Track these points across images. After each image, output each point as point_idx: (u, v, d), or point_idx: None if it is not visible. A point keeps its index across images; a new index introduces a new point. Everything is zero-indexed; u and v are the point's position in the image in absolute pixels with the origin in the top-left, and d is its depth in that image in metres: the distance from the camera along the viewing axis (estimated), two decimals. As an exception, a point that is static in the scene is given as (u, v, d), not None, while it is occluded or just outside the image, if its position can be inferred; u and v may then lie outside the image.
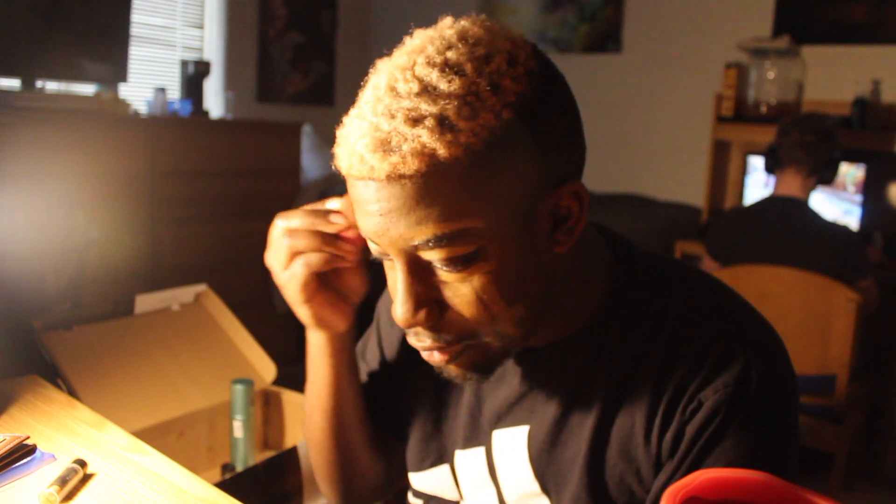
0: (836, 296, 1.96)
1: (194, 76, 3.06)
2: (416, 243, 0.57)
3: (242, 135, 3.13)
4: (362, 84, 0.60)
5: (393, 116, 0.54)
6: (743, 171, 3.20)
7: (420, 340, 0.63)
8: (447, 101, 0.54)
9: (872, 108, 2.97)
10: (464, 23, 0.59)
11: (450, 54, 0.56)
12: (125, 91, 3.07)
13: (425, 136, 0.53)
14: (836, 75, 3.12)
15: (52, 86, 2.74)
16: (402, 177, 0.54)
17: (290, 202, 3.28)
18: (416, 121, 0.54)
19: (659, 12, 3.62)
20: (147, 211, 2.72)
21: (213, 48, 3.70)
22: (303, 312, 0.73)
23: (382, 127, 0.54)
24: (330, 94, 4.30)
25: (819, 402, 2.07)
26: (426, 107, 0.54)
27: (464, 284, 0.59)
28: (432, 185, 0.54)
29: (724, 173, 3.36)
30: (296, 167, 3.35)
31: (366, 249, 0.66)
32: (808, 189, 2.15)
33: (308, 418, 0.84)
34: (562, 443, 0.69)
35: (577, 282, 0.68)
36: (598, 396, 0.67)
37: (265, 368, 1.45)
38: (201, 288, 1.48)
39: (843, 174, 2.88)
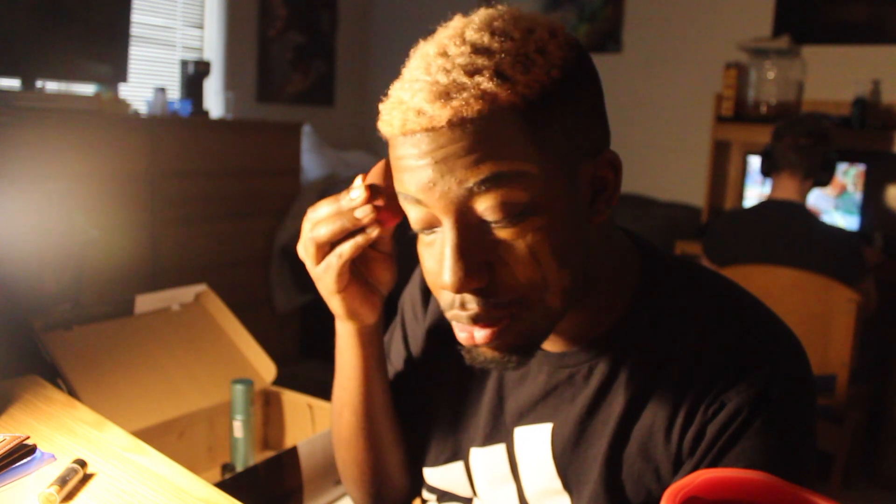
0: (836, 296, 1.96)
1: (194, 76, 3.06)
2: (471, 184, 0.56)
3: (242, 135, 3.13)
4: (391, 81, 0.62)
5: (449, 71, 0.57)
6: (743, 171, 3.20)
7: (466, 309, 0.61)
8: (501, 57, 0.57)
9: (872, 108, 2.97)
10: (500, 7, 0.63)
11: (496, 24, 0.60)
12: (125, 91, 3.07)
13: (485, 83, 0.55)
14: (836, 75, 3.12)
15: (52, 86, 2.74)
16: (464, 120, 0.55)
17: (290, 202, 3.28)
18: (473, 72, 0.56)
19: (659, 12, 3.62)
20: (147, 211, 2.72)
21: (213, 48, 3.70)
22: (335, 303, 0.73)
23: (440, 80, 0.56)
24: (330, 94, 4.30)
25: (819, 402, 2.07)
26: (483, 61, 0.56)
27: (518, 241, 0.59)
28: (491, 128, 0.56)
29: (724, 173, 3.36)
30: (296, 167, 3.35)
31: (403, 242, 0.66)
32: (805, 192, 2.14)
33: (337, 416, 0.83)
34: (585, 441, 0.70)
35: (607, 278, 0.68)
36: (622, 396, 0.68)
37: (265, 368, 1.45)
38: (201, 288, 1.48)
39: (842, 174, 2.88)
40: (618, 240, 0.71)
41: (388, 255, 0.74)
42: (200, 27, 3.69)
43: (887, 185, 3.01)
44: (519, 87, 0.56)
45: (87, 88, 2.82)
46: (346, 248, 0.69)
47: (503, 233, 0.59)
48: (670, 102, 3.60)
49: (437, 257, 0.61)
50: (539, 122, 0.57)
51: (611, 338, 0.69)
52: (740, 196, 3.21)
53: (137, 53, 3.21)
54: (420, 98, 0.56)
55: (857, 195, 2.89)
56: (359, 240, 0.69)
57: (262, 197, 3.18)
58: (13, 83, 2.54)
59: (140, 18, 3.28)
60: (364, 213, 0.67)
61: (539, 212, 0.59)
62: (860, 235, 2.64)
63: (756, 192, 3.11)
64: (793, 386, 0.64)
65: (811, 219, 2.12)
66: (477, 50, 0.57)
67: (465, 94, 0.55)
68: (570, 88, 0.59)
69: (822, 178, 2.15)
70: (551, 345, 0.72)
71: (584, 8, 3.83)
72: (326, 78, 4.27)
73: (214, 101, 3.56)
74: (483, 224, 0.59)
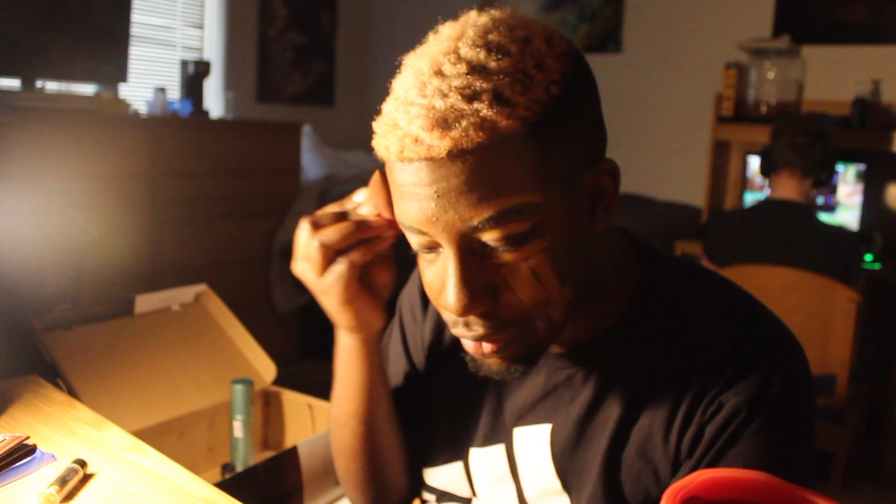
0: (836, 296, 1.96)
1: (194, 76, 3.06)
2: (475, 223, 0.56)
3: (242, 135, 3.13)
4: (391, 81, 0.60)
5: (446, 95, 0.54)
6: (743, 171, 3.20)
7: (471, 330, 0.61)
8: (499, 78, 0.54)
9: (872, 108, 2.97)
10: (493, 12, 0.61)
11: (491, 37, 0.57)
12: (125, 91, 3.07)
13: (484, 110, 0.53)
14: (836, 75, 3.12)
15: (52, 86, 2.74)
16: (463, 151, 0.53)
17: (290, 202, 3.28)
18: (471, 97, 0.54)
19: (659, 12, 3.62)
20: (147, 211, 2.72)
21: (213, 48, 3.70)
22: (347, 315, 0.71)
23: (437, 106, 0.54)
24: (330, 94, 4.30)
25: (819, 402, 2.07)
26: (480, 83, 0.54)
27: (521, 264, 0.59)
28: (493, 159, 0.54)
29: (724, 173, 3.36)
30: (296, 167, 3.35)
31: (402, 243, 0.65)
32: (805, 191, 2.14)
33: (340, 425, 0.82)
34: (584, 441, 0.70)
35: (605, 282, 0.68)
36: (621, 397, 0.68)
37: (265, 368, 1.45)
38: (201, 288, 1.48)
39: (842, 174, 2.89)
40: (615, 240, 0.71)
41: (388, 257, 0.72)
42: (200, 27, 3.69)
43: (887, 185, 3.01)
44: (519, 111, 0.54)
45: (87, 88, 2.82)
46: (355, 252, 0.67)
47: (506, 256, 0.58)
48: (670, 102, 3.60)
49: (439, 275, 0.60)
50: (541, 144, 0.56)
51: (609, 339, 0.69)
52: (740, 196, 3.21)
53: (137, 53, 3.21)
54: (417, 125, 0.54)
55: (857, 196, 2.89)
56: (373, 244, 0.67)
57: (262, 197, 3.18)
58: (13, 83, 2.54)
59: (140, 18, 3.28)
60: (380, 222, 0.66)
61: (542, 234, 0.58)
62: (860, 235, 2.63)
63: (755, 192, 3.11)
64: (791, 386, 0.64)
65: (811, 218, 2.12)
66: (473, 69, 0.55)
67: (464, 123, 0.53)
68: (570, 103, 0.57)
69: (822, 176, 2.14)
70: (550, 346, 0.72)
71: (584, 8, 3.83)
72: (326, 78, 4.27)
73: (214, 101, 3.56)
74: (486, 248, 0.58)
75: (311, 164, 3.67)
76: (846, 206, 2.90)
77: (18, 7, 2.43)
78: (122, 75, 2.79)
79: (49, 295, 1.54)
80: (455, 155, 0.54)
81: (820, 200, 2.93)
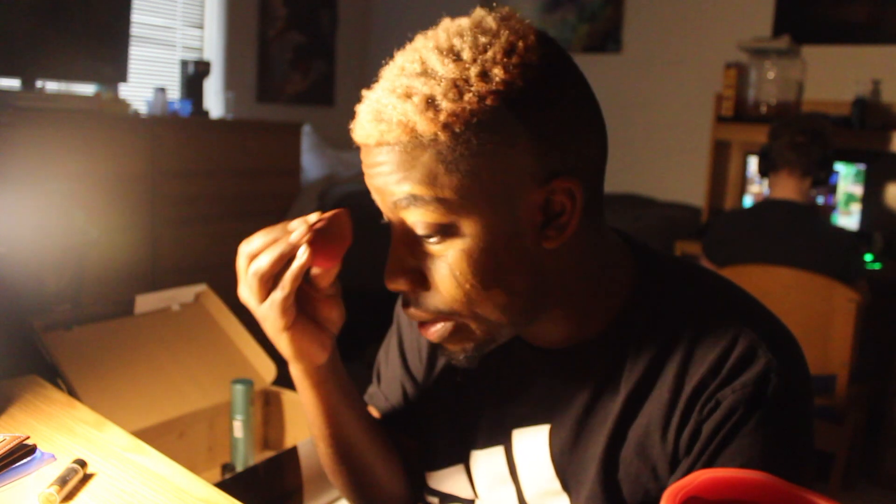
0: (836, 296, 1.96)
1: (194, 76, 3.06)
2: (395, 198, 0.61)
3: (242, 135, 3.13)
4: (384, 62, 0.65)
5: (392, 91, 0.60)
6: (743, 171, 3.20)
7: (406, 307, 0.66)
8: (438, 83, 0.59)
9: (872, 108, 2.97)
10: (484, 13, 0.63)
11: (455, 41, 0.61)
12: (125, 91, 3.07)
13: (410, 111, 0.58)
14: (836, 75, 3.12)
15: (52, 86, 2.74)
16: (388, 143, 0.60)
17: (289, 202, 3.28)
18: (407, 97, 0.59)
19: (659, 12, 3.62)
20: (147, 211, 2.72)
21: (213, 48, 3.70)
22: (283, 342, 0.70)
23: (382, 100, 0.61)
24: (330, 94, 4.30)
25: (819, 402, 2.07)
26: (419, 86, 0.59)
27: (440, 259, 0.63)
28: (411, 156, 0.59)
29: (724, 173, 3.36)
30: (296, 167, 3.35)
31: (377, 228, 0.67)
32: (805, 191, 2.13)
33: (316, 445, 0.83)
34: (583, 441, 0.70)
35: (596, 283, 0.69)
36: (619, 396, 0.68)
37: (265, 368, 1.45)
38: (201, 288, 1.48)
39: (842, 174, 2.89)
40: (610, 242, 0.71)
41: (334, 295, 0.71)
42: (200, 27, 3.69)
43: (887, 185, 3.01)
44: (443, 116, 0.57)
45: (87, 88, 2.82)
46: (286, 280, 0.66)
47: (430, 248, 0.63)
48: (670, 102, 3.60)
49: None
50: (463, 152, 0.58)
51: (606, 338, 0.69)
52: (740, 196, 3.21)
53: (137, 53, 3.21)
54: (365, 112, 0.62)
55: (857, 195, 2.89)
56: (293, 268, 0.65)
57: (262, 197, 3.18)
58: (13, 83, 2.54)
59: (140, 18, 3.28)
60: (299, 236, 0.65)
61: (461, 234, 0.61)
62: (860, 235, 2.63)
63: (755, 193, 3.11)
64: (788, 384, 0.64)
65: (811, 218, 2.12)
66: (425, 71, 0.60)
67: (394, 120, 0.59)
68: (511, 115, 0.58)
69: (821, 176, 2.14)
70: (546, 346, 0.72)
71: (584, 8, 3.83)
72: (326, 78, 4.27)
73: (214, 101, 3.56)
74: (416, 235, 0.63)
75: (311, 164, 3.67)
76: (846, 203, 2.90)
77: (18, 7, 2.43)
78: (122, 75, 2.79)
79: (49, 295, 1.54)
80: (382, 144, 0.60)
81: (820, 200, 2.93)
